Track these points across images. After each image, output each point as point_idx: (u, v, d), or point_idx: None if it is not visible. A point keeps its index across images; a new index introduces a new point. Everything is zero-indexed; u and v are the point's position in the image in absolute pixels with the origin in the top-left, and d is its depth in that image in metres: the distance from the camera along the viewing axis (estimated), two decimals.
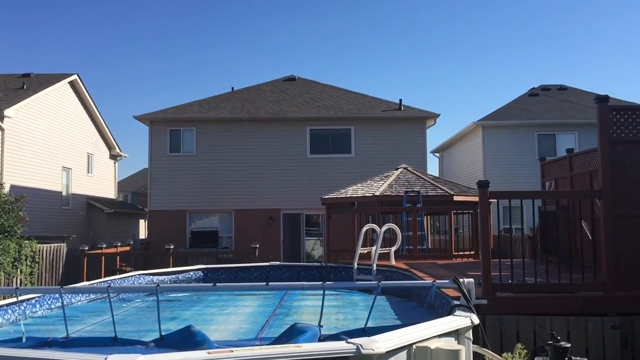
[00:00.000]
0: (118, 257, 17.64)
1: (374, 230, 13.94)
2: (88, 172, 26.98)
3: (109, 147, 29.55)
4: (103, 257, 16.55)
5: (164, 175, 22.06)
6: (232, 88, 25.46)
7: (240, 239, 21.67)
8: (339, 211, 16.55)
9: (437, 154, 32.77)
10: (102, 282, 10.21)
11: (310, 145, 22.10)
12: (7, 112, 19.44)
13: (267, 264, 13.38)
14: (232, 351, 3.86)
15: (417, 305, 8.56)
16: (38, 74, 24.53)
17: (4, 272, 14.94)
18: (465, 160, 27.07)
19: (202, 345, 5.28)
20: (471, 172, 25.64)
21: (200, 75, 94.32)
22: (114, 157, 30.37)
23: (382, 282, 5.94)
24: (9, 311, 7.22)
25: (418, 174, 16.88)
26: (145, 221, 34.47)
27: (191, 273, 12.73)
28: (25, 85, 22.51)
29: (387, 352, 4.18)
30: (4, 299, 8.87)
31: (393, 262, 11.94)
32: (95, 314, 8.13)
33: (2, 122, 19.52)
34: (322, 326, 5.83)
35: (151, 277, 11.94)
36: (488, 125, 24.29)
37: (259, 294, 9.59)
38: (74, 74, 24.91)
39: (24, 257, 15.80)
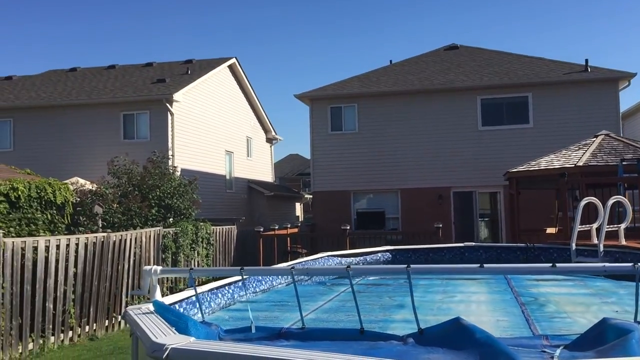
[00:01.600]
0: (288, 238, 17.14)
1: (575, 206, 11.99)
2: (248, 156, 27.15)
3: (265, 130, 29.61)
4: (275, 239, 16.06)
5: (326, 155, 21.32)
6: (391, 61, 24.12)
7: (407, 220, 20.40)
8: (532, 186, 14.71)
9: None
10: (293, 264, 9.39)
11: (481, 116, 20.20)
12: (175, 96, 19.69)
13: (462, 244, 11.97)
14: None
15: None
16: (200, 60, 24.91)
17: (183, 254, 14.89)
18: None
19: (489, 346, 3.99)
20: None
21: (353, 51, 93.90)
22: (269, 140, 30.43)
23: None
24: (219, 294, 6.46)
25: (625, 140, 14.53)
26: (300, 204, 34.47)
27: (379, 255, 11.68)
28: (189, 70, 22.84)
29: None
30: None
31: (623, 241, 9.99)
32: (304, 298, 7.22)
33: (172, 107, 19.80)
34: None
35: (339, 258, 11.03)
36: None
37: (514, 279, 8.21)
38: (232, 58, 25.00)
39: (200, 239, 15.72)
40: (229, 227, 17.96)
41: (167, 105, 19.64)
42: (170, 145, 19.57)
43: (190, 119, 21.30)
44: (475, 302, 6.54)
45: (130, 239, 12.31)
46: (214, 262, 16.77)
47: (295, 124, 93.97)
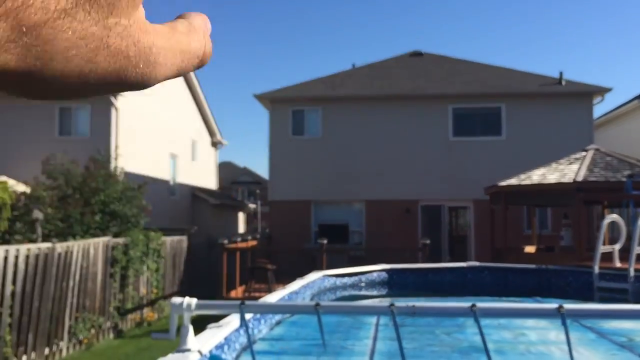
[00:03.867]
0: (249, 252, 15.40)
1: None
2: (192, 160, 25.08)
3: (211, 133, 27.60)
4: (238, 253, 14.29)
5: (286, 161, 19.65)
6: (353, 65, 22.80)
7: (372, 234, 19.07)
8: (522, 201, 13.71)
9: None
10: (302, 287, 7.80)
11: (453, 126, 19.20)
12: None
13: (465, 264, 10.69)
14: None
15: None
16: None
17: (133, 268, 12.89)
18: (622, 143, 23.32)
19: None
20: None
21: (311, 54, 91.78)
22: (214, 144, 28.41)
23: None
24: (241, 331, 4.81)
25: (617, 155, 13.80)
26: (244, 214, 32.54)
27: (375, 274, 10.22)
28: None
29: None
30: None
31: None
32: (332, 332, 5.66)
33: (117, 101, 17.65)
34: None
35: (335, 278, 9.50)
36: None
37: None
38: None
39: (151, 251, 13.75)
40: (179, 237, 16.03)
41: (112, 99, 17.47)
42: (114, 144, 17.37)
43: (135, 117, 19.14)
44: (563, 343, 5.16)
45: (78, 251, 10.30)
46: (164, 278, 14.81)
47: (233, 128, 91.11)
